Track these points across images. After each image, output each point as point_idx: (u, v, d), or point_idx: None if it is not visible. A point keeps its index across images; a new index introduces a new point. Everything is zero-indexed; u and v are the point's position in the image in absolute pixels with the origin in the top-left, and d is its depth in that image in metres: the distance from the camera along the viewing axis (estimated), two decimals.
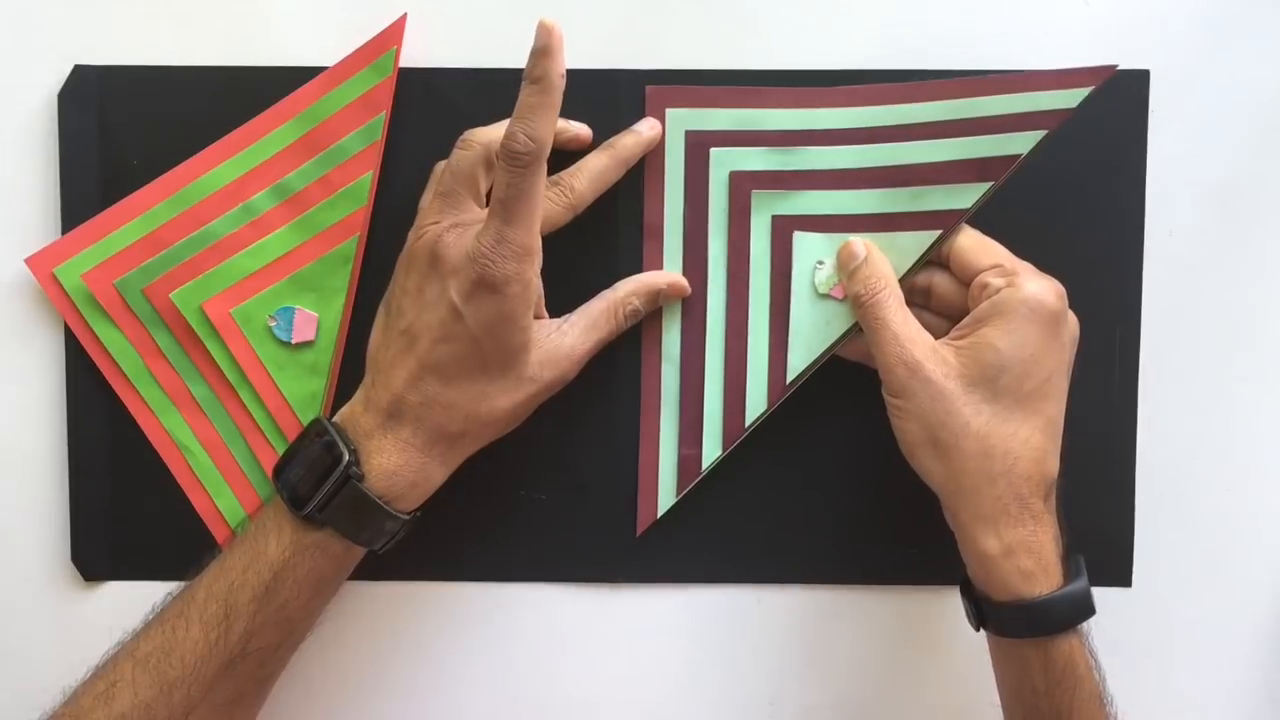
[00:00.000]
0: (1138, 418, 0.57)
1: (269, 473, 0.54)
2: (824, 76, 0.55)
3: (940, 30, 0.56)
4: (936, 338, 0.51)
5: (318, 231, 0.55)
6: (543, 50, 0.46)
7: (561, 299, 0.54)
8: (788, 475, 0.57)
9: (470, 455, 0.52)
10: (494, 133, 0.51)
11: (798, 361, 0.55)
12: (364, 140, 0.54)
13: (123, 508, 0.57)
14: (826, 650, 0.58)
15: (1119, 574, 0.58)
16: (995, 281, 0.50)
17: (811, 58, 0.56)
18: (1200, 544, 0.58)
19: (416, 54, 0.55)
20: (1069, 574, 0.49)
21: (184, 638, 0.49)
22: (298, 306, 0.55)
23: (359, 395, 0.51)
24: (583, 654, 0.58)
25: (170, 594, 0.51)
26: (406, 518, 0.51)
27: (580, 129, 0.54)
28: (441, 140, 0.53)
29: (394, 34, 0.54)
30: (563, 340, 0.52)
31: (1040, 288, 0.50)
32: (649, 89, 0.55)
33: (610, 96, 0.55)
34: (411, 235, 0.51)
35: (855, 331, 0.54)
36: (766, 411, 0.55)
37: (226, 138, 0.55)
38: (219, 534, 0.57)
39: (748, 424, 0.55)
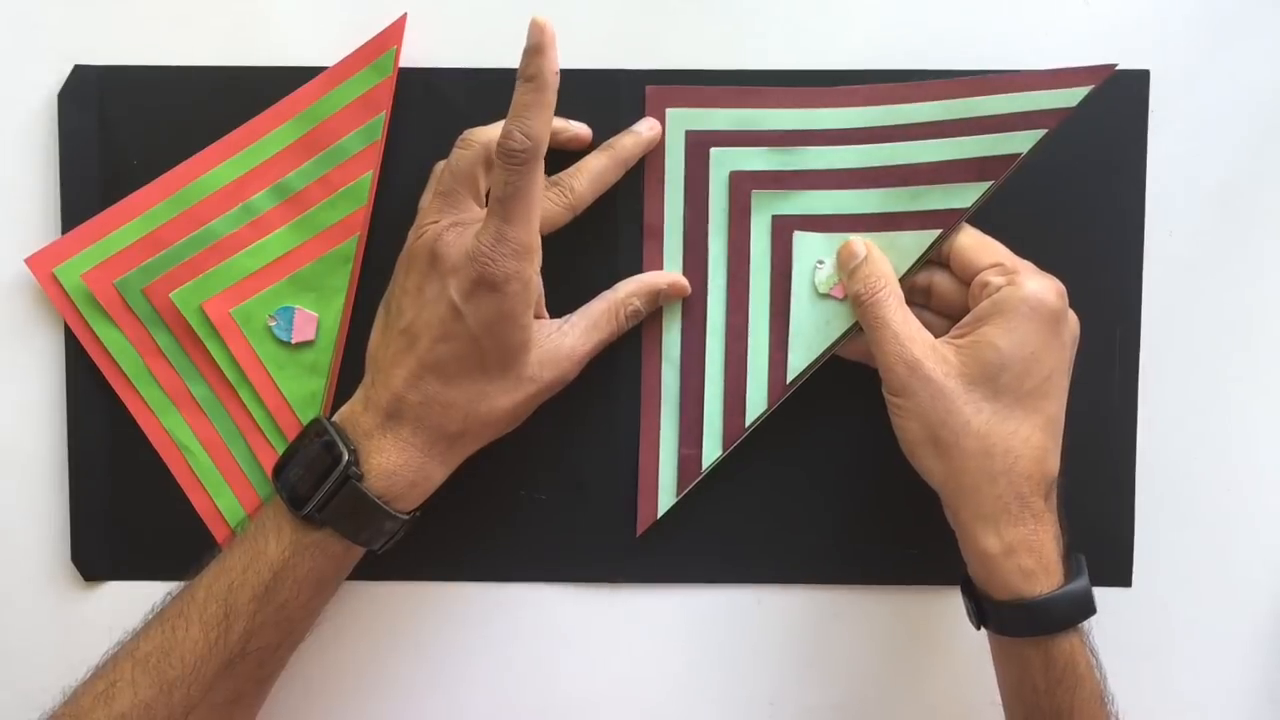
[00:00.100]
0: (1138, 418, 0.57)
1: (269, 472, 0.54)
2: (824, 76, 0.55)
3: (940, 30, 0.56)
4: (937, 337, 0.51)
5: (318, 231, 0.55)
6: (535, 48, 0.46)
7: (561, 299, 0.54)
8: (788, 475, 0.57)
9: (470, 455, 0.52)
10: (493, 132, 0.51)
11: (798, 361, 0.55)
12: (364, 140, 0.54)
13: (123, 508, 0.57)
14: (826, 650, 0.58)
15: (1119, 574, 0.58)
16: (995, 280, 0.50)
17: (811, 58, 0.56)
18: (1200, 544, 0.58)
19: (416, 54, 0.55)
20: (1070, 573, 0.49)
21: (184, 637, 0.49)
22: (298, 306, 0.55)
23: (358, 395, 0.51)
24: (583, 654, 0.58)
25: (170, 594, 0.51)
26: (406, 517, 0.50)
27: (580, 128, 0.54)
28: (441, 140, 0.53)
29: (394, 34, 0.54)
30: (563, 341, 0.52)
31: (1041, 286, 0.50)
32: (649, 89, 0.55)
33: (610, 96, 0.55)
34: (411, 235, 0.51)
35: (855, 331, 0.54)
36: (766, 412, 0.55)
37: (226, 137, 0.55)
38: (219, 534, 0.57)
39: (748, 424, 0.55)
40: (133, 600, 0.53)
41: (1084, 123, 0.53)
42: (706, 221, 0.55)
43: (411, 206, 0.53)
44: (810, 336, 0.55)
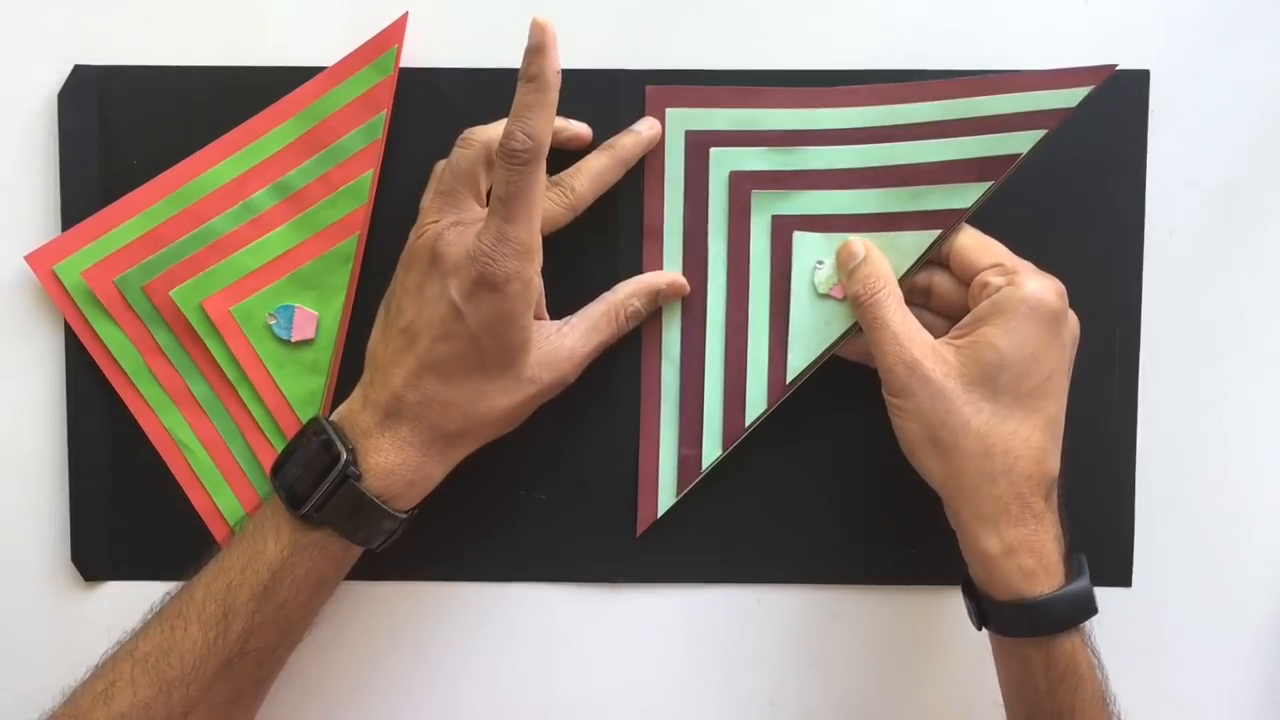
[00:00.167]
0: (1138, 418, 0.57)
1: (268, 471, 0.54)
2: (824, 76, 0.55)
3: (940, 30, 0.56)
4: (936, 337, 0.51)
5: (318, 230, 0.55)
6: (536, 48, 0.46)
7: (562, 299, 0.54)
8: (787, 475, 0.57)
9: (469, 454, 0.52)
10: (494, 131, 0.51)
11: (798, 361, 0.55)
12: (365, 139, 0.54)
13: (123, 507, 0.57)
14: (826, 650, 0.58)
15: (1119, 574, 0.58)
16: (995, 280, 0.50)
17: (811, 58, 0.56)
18: (1200, 544, 0.58)
19: (417, 53, 0.55)
20: (1070, 573, 0.49)
21: (183, 637, 0.49)
22: (297, 305, 0.55)
23: (357, 393, 0.51)
24: (583, 654, 0.58)
25: (169, 593, 0.51)
26: (404, 516, 0.50)
27: (580, 128, 0.54)
28: (441, 139, 0.53)
29: (395, 33, 0.54)
30: (563, 342, 0.52)
31: (1040, 286, 0.50)
32: (649, 89, 0.55)
33: (610, 96, 0.55)
34: (412, 234, 0.51)
35: (855, 331, 0.54)
36: (766, 411, 0.55)
37: (227, 135, 0.55)
38: (218, 533, 0.57)
39: (748, 424, 0.55)
40: (132, 600, 0.53)
41: (1084, 123, 0.53)
42: (706, 221, 0.55)
43: (412, 205, 0.53)
44: (810, 336, 0.55)
